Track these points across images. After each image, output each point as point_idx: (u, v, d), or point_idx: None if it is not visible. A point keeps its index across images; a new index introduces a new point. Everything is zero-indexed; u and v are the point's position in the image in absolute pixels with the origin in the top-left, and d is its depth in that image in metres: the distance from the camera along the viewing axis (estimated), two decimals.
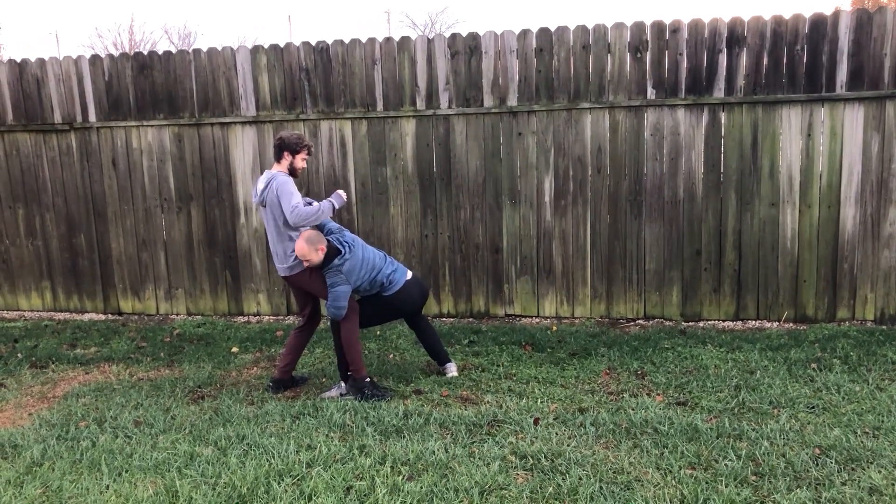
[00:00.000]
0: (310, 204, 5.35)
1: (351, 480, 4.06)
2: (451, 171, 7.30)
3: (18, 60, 7.92)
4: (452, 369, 5.85)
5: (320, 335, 7.02)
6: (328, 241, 5.37)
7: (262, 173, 7.51)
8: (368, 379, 5.44)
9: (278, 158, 5.40)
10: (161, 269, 7.99)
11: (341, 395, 5.47)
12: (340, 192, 5.54)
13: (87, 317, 8.16)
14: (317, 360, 6.37)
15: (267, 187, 5.33)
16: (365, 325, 5.69)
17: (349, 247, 5.39)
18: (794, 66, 6.63)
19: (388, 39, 7.28)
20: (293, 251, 5.32)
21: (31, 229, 8.17)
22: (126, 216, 7.95)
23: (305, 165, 5.50)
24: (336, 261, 5.33)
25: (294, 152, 5.37)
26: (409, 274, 5.70)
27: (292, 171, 5.41)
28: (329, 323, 5.70)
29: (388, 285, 5.55)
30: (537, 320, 7.35)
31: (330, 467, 4.21)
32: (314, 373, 6.04)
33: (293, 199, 5.22)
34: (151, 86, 7.67)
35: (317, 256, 5.28)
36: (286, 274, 5.45)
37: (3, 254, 8.29)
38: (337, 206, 5.44)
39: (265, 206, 5.38)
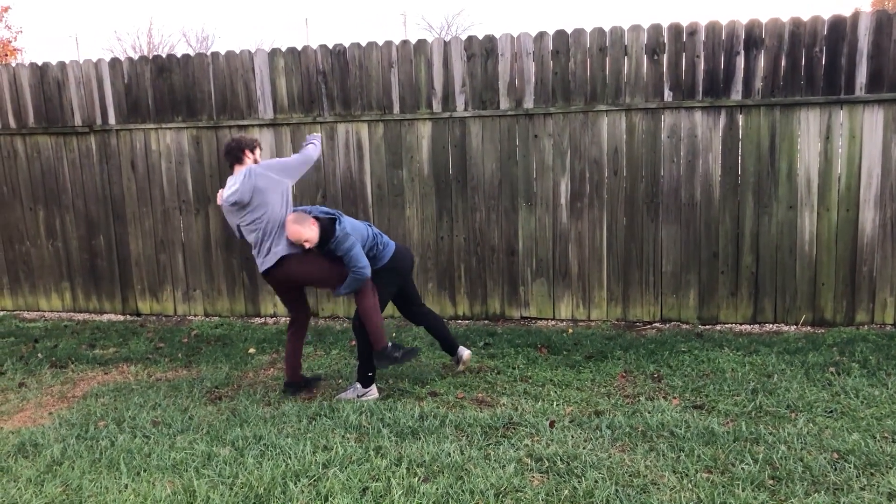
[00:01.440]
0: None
1: (367, 481, 4.08)
2: (467, 173, 7.31)
3: (39, 64, 8.01)
4: (466, 352, 5.87)
5: (336, 336, 7.05)
6: (315, 217, 5.33)
7: None
8: (390, 344, 5.42)
9: (240, 160, 5.33)
10: (179, 270, 8.05)
11: (358, 396, 5.48)
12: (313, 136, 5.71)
13: (105, 317, 8.23)
14: (333, 361, 6.39)
15: (242, 184, 5.19)
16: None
17: (337, 213, 5.41)
18: (812, 68, 6.59)
19: (405, 42, 7.30)
20: (282, 243, 5.25)
21: (51, 230, 8.26)
22: (144, 218, 8.02)
23: (259, 159, 5.47)
24: (337, 227, 5.28)
25: (251, 150, 5.36)
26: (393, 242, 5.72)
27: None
28: (352, 325, 5.66)
29: (383, 250, 5.51)
30: (553, 323, 7.34)
31: (346, 468, 4.22)
32: (330, 374, 6.06)
33: (290, 157, 5.44)
34: (170, 88, 7.74)
35: (312, 232, 5.23)
36: (272, 266, 5.28)
37: (24, 255, 8.38)
38: (317, 144, 5.62)
39: (241, 207, 5.24)
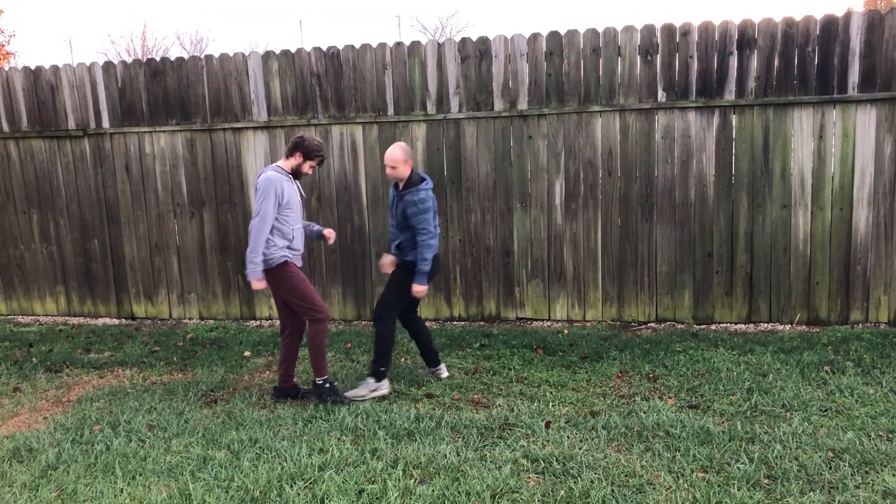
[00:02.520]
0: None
1: (363, 484, 4.08)
2: (462, 174, 7.31)
3: (33, 67, 7.99)
4: (444, 370, 5.94)
5: (331, 339, 7.04)
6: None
7: None
8: (328, 385, 5.45)
9: (288, 155, 5.30)
10: (174, 273, 8.04)
11: (370, 391, 5.50)
12: (258, 284, 5.28)
13: (100, 321, 8.22)
14: (328, 364, 6.37)
15: (257, 178, 5.30)
16: (399, 310, 5.63)
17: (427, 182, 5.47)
18: (805, 68, 6.61)
19: (399, 44, 7.31)
20: (272, 246, 5.22)
21: (45, 234, 8.25)
22: (139, 221, 8.01)
23: (311, 173, 5.45)
24: (423, 185, 5.39)
25: (307, 157, 5.29)
26: None
27: (296, 173, 5.33)
28: (375, 313, 5.60)
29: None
30: (548, 323, 7.35)
31: (342, 471, 4.22)
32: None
33: (268, 203, 5.13)
34: (164, 92, 7.73)
35: (405, 169, 5.38)
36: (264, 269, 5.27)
37: (18, 259, 8.36)
38: (249, 277, 5.24)
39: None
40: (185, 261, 8.00)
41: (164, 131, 7.79)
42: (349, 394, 5.50)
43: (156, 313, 8.18)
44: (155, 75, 7.73)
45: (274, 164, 5.34)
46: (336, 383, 5.73)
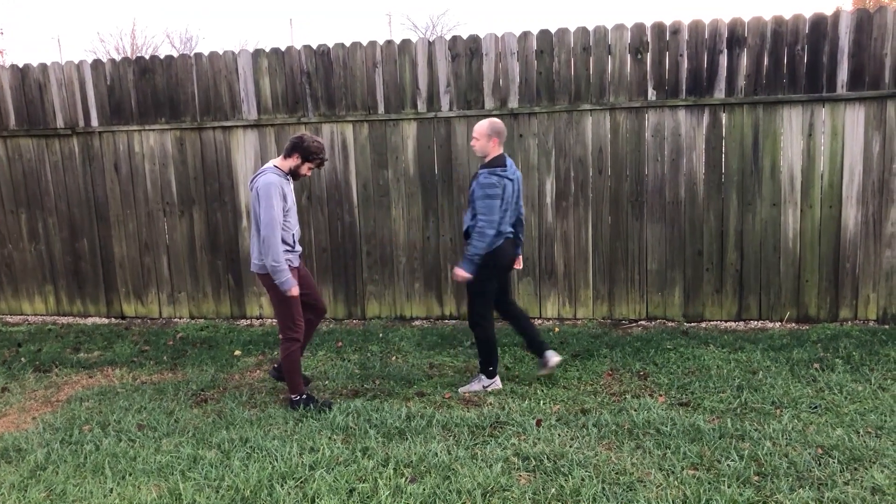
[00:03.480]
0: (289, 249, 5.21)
1: (354, 483, 4.07)
2: (453, 173, 7.31)
3: (21, 65, 7.94)
4: (553, 355, 5.61)
5: (322, 338, 7.03)
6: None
7: None
8: (304, 395, 5.30)
9: (287, 155, 5.14)
10: (164, 272, 8.01)
11: (484, 387, 5.48)
12: (295, 290, 5.14)
13: (90, 321, 8.18)
14: (319, 363, 6.37)
15: (254, 179, 5.13)
16: (488, 309, 5.49)
17: (511, 174, 5.29)
18: (794, 67, 6.64)
19: (389, 42, 7.29)
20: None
21: (33, 234, 8.20)
22: (128, 220, 7.97)
23: (309, 175, 5.34)
24: (499, 169, 5.21)
25: (306, 158, 5.11)
26: None
27: (294, 174, 5.19)
28: (469, 322, 5.52)
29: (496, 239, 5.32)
30: (540, 322, 7.35)
31: (333, 470, 4.22)
32: (317, 375, 6.04)
33: (273, 208, 4.98)
34: (153, 90, 7.70)
35: (487, 144, 5.26)
36: (258, 272, 5.23)
37: (7, 258, 8.31)
38: (284, 287, 5.08)
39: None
40: (175, 260, 7.97)
41: (154, 130, 7.75)
42: (462, 389, 5.49)
43: (146, 312, 8.15)
44: (144, 73, 7.69)
45: (271, 165, 5.17)
46: (311, 391, 5.71)
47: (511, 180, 5.29)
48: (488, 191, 5.17)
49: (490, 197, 5.17)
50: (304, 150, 5.11)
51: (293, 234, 5.24)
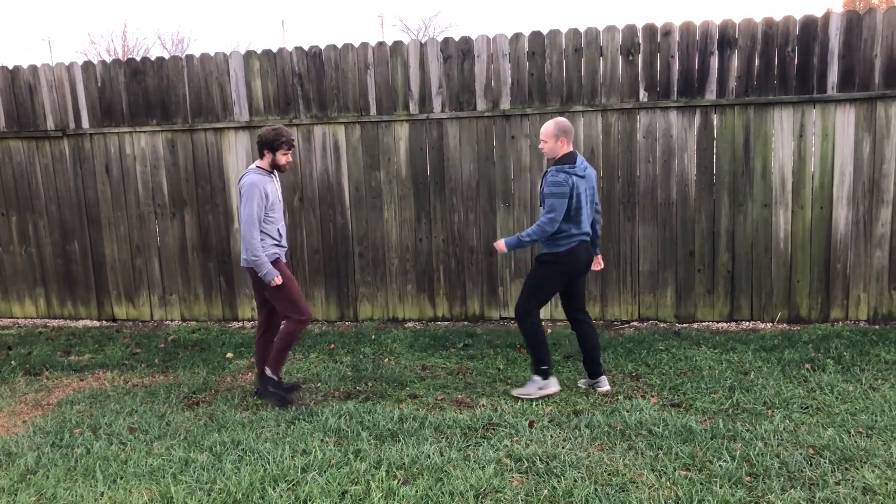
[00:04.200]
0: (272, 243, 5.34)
1: (346, 485, 4.06)
2: (445, 174, 7.31)
3: (10, 67, 7.90)
4: (605, 383, 5.48)
5: (315, 340, 7.02)
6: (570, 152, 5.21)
7: None
8: (277, 378, 5.41)
9: (260, 155, 5.32)
10: (155, 274, 7.98)
11: (539, 389, 5.33)
12: (277, 279, 5.25)
13: (81, 323, 8.14)
14: (311, 365, 6.36)
15: (240, 179, 5.32)
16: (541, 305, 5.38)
17: (580, 170, 5.18)
18: (785, 68, 6.66)
19: (381, 44, 7.29)
20: (266, 246, 5.26)
21: (24, 236, 8.16)
22: (120, 222, 7.94)
23: (289, 160, 5.34)
24: (565, 169, 5.13)
25: (273, 149, 5.25)
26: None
27: (277, 167, 5.32)
28: (514, 313, 5.40)
29: (565, 238, 5.21)
30: None
31: (325, 472, 4.21)
32: (309, 377, 6.03)
33: (252, 206, 5.14)
34: (144, 92, 7.67)
35: (555, 145, 5.19)
36: (244, 266, 5.33)
37: None
38: (266, 279, 5.21)
39: None
40: (167, 262, 7.94)
41: (145, 132, 7.73)
42: (516, 392, 5.38)
43: (137, 315, 8.12)
44: (135, 75, 7.67)
45: (254, 166, 5.34)
46: (303, 392, 5.71)
47: (582, 177, 5.18)
48: (554, 189, 5.10)
49: (556, 195, 5.10)
50: (267, 144, 5.27)
51: (278, 229, 5.38)
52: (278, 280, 5.25)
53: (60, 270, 8.16)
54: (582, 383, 5.58)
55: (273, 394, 5.42)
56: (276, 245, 5.37)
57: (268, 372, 5.42)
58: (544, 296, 5.39)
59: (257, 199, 5.16)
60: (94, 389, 5.99)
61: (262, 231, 5.26)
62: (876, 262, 6.76)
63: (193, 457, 4.50)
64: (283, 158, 5.29)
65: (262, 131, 5.31)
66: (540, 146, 5.30)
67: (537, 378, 5.37)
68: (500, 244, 5.30)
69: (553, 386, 5.37)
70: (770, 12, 7.02)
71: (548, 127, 5.22)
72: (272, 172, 5.36)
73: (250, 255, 5.20)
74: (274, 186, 5.34)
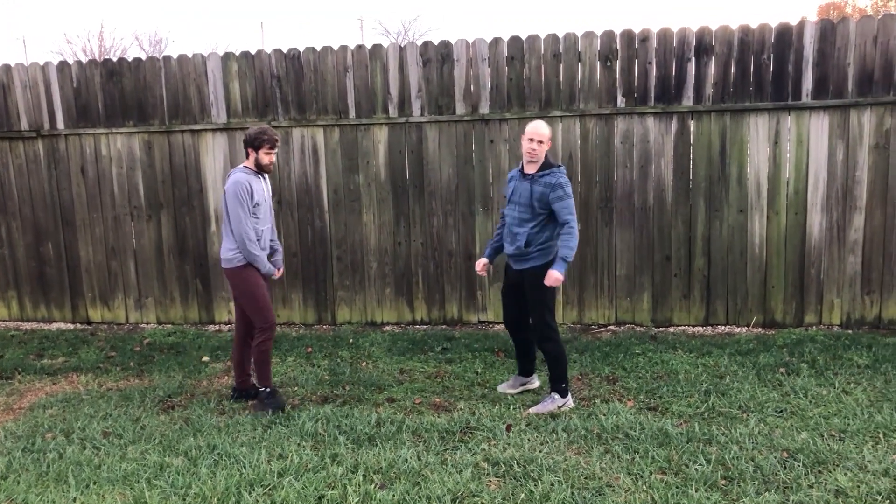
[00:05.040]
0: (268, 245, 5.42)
1: (323, 490, 4.05)
2: (424, 178, 7.31)
3: None
4: (536, 382, 5.61)
5: (292, 343, 6.98)
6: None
7: None
8: (268, 389, 5.34)
9: (246, 154, 5.29)
10: (131, 277, 7.90)
11: (559, 407, 5.16)
12: (279, 271, 5.49)
13: (54, 326, 8.04)
14: (289, 368, 6.33)
15: (226, 179, 5.33)
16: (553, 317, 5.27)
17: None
18: (761, 75, 6.74)
19: (360, 47, 7.28)
20: (234, 248, 5.24)
21: None
22: (95, 224, 7.85)
23: (273, 160, 5.31)
24: (556, 169, 5.08)
25: (255, 147, 5.22)
26: None
27: (260, 167, 5.28)
28: (539, 337, 5.23)
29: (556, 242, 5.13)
30: None
31: (301, 476, 4.18)
32: (286, 381, 5.99)
33: (238, 206, 5.13)
34: (121, 93, 7.60)
35: (545, 149, 5.08)
36: (224, 266, 5.33)
37: None
38: (262, 271, 5.29)
39: None
40: (143, 265, 7.86)
41: (121, 133, 7.66)
42: (533, 410, 5.15)
43: (112, 318, 8.03)
44: (112, 76, 7.60)
45: (240, 165, 5.33)
46: (279, 389, 5.70)
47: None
48: (568, 189, 5.04)
49: (570, 196, 5.06)
50: (250, 142, 5.26)
51: (261, 231, 5.34)
52: (279, 272, 5.48)
53: (34, 273, 8.06)
54: (503, 388, 5.58)
55: (269, 403, 5.32)
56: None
57: (261, 389, 5.37)
58: (553, 308, 5.29)
59: (242, 196, 5.14)
60: (67, 393, 5.92)
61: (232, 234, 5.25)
62: (849, 268, 6.85)
63: (168, 461, 4.46)
64: (265, 158, 5.26)
65: (248, 130, 5.30)
66: (533, 148, 5.05)
67: (556, 395, 5.22)
68: (556, 275, 4.99)
69: (570, 402, 5.27)
70: (746, 20, 7.10)
71: (542, 128, 5.07)
72: (259, 173, 5.32)
73: (246, 251, 5.19)
74: (260, 186, 5.30)
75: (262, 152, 5.24)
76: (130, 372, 6.42)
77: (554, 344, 5.20)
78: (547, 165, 5.11)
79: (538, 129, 5.07)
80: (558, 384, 5.23)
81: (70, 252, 7.96)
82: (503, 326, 7.35)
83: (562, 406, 5.20)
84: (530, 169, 5.14)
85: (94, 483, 4.24)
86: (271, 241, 5.55)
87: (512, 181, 5.28)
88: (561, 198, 5.00)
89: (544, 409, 5.16)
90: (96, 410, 5.45)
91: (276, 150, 5.30)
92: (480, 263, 5.46)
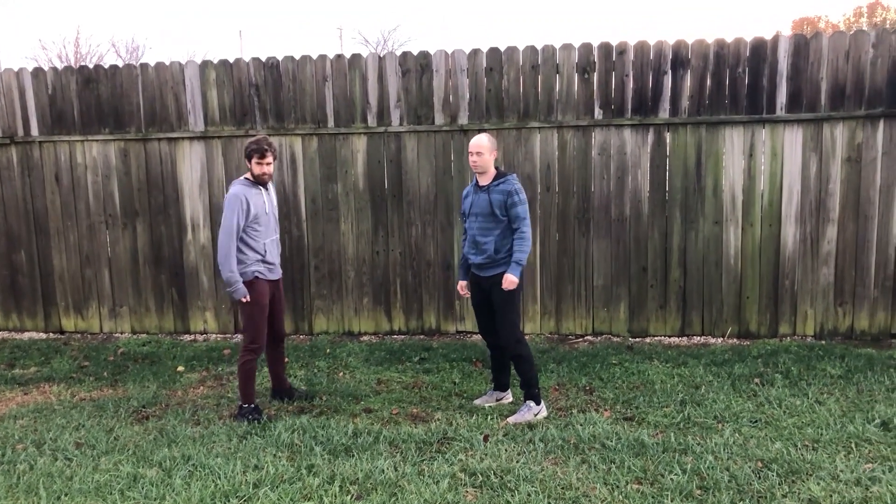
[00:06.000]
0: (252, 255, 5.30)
1: (298, 501, 4.02)
2: (403, 187, 7.31)
3: None
4: (509, 398, 5.63)
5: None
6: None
7: (209, 189, 7.47)
8: (253, 405, 5.34)
9: (248, 167, 5.33)
10: (105, 286, 7.82)
11: (535, 415, 5.19)
12: (245, 298, 5.23)
13: (26, 336, 7.93)
14: (265, 379, 6.27)
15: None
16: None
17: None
18: (736, 88, 6.82)
19: (339, 56, 7.28)
20: (245, 261, 5.25)
21: None
22: (69, 232, 7.77)
23: (267, 171, 5.27)
24: (510, 176, 5.23)
25: (248, 158, 5.25)
26: None
27: (256, 178, 5.28)
28: (510, 343, 5.25)
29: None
30: None
31: (277, 487, 4.15)
32: (262, 391, 5.94)
33: (230, 217, 5.14)
34: (97, 100, 7.54)
35: (490, 159, 5.21)
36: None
37: None
38: (234, 297, 5.23)
39: None
40: (117, 273, 7.78)
41: (97, 140, 7.59)
42: (512, 420, 5.15)
43: (86, 327, 7.93)
44: (88, 83, 7.53)
45: (241, 177, 5.35)
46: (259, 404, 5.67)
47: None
48: (522, 195, 5.19)
49: (524, 202, 5.19)
50: (245, 153, 5.28)
51: (264, 244, 5.33)
52: (245, 298, 5.22)
53: (6, 281, 7.94)
54: (482, 398, 5.60)
55: (246, 415, 5.34)
56: (261, 261, 5.31)
57: (242, 405, 5.37)
58: (519, 312, 5.38)
59: (236, 210, 5.14)
60: (39, 403, 5.84)
61: (245, 244, 5.23)
62: (822, 279, 6.94)
63: (142, 472, 4.41)
64: (257, 168, 5.25)
65: (248, 141, 5.33)
66: (473, 160, 5.21)
67: (531, 403, 5.25)
68: (512, 279, 5.12)
69: (544, 410, 5.30)
70: (722, 34, 7.19)
71: (482, 140, 5.22)
72: (260, 185, 5.32)
73: (227, 271, 5.14)
74: (261, 199, 5.29)
75: (252, 163, 5.24)
76: (104, 382, 6.35)
77: (524, 346, 5.28)
78: (500, 175, 5.26)
79: (477, 141, 5.25)
80: (532, 389, 5.26)
81: (43, 260, 7.86)
82: (480, 336, 7.35)
83: (537, 414, 5.22)
84: (483, 180, 5.29)
85: (66, 495, 4.18)
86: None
87: (468, 196, 5.40)
88: (516, 203, 5.16)
89: (522, 419, 5.17)
90: (69, 421, 5.37)
91: (267, 160, 5.25)
92: (462, 286, 5.53)
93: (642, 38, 6.90)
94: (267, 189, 5.39)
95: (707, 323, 7.13)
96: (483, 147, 5.20)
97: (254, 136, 7.27)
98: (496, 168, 5.31)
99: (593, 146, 7.05)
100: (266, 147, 5.22)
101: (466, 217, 5.38)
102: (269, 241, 5.36)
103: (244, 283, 5.23)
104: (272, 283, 5.43)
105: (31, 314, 7.98)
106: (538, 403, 5.27)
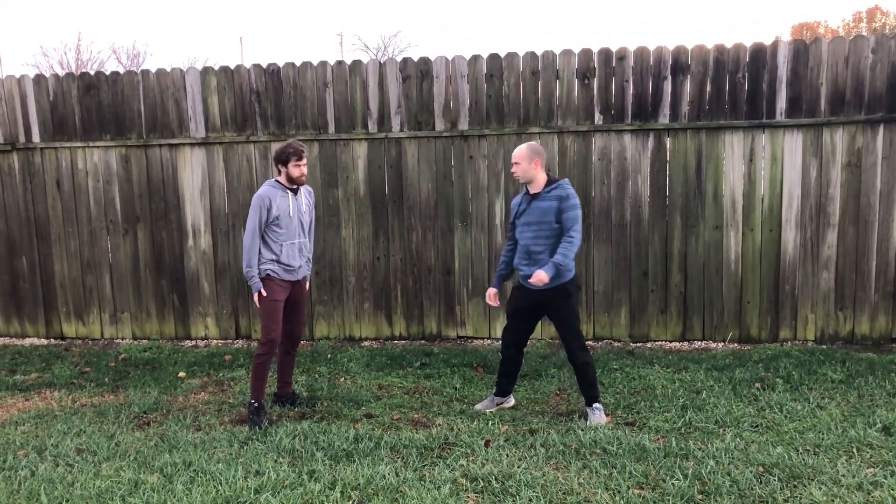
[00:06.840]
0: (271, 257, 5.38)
1: None
2: (403, 193, 7.32)
3: None
4: (511, 401, 5.62)
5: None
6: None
7: (210, 195, 7.48)
8: (257, 403, 5.37)
9: (277, 171, 5.39)
10: (106, 292, 7.83)
11: (606, 415, 5.23)
12: (261, 292, 5.33)
13: (28, 342, 7.93)
14: (266, 386, 6.27)
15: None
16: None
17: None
18: (736, 94, 6.84)
19: (340, 63, 7.30)
20: (263, 261, 5.33)
21: None
22: (70, 238, 7.78)
23: (303, 171, 5.33)
24: (563, 181, 5.10)
25: (284, 162, 5.31)
26: None
27: (292, 180, 5.35)
28: (575, 356, 5.21)
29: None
30: (489, 342, 7.37)
31: (279, 493, 4.15)
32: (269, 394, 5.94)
33: (253, 217, 5.28)
34: (98, 106, 7.56)
35: (530, 167, 5.07)
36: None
37: None
38: (253, 290, 5.35)
39: None
40: (118, 279, 7.79)
41: (98, 146, 7.61)
42: (590, 423, 5.11)
43: (87, 333, 7.94)
44: (89, 89, 7.55)
45: (270, 179, 5.43)
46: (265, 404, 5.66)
47: None
48: (576, 201, 5.05)
49: (577, 207, 5.06)
50: (277, 159, 5.38)
51: (282, 246, 5.38)
52: (261, 293, 5.35)
53: (7, 287, 7.95)
54: (480, 407, 5.57)
55: (251, 419, 5.35)
56: (276, 262, 5.36)
57: (252, 402, 5.41)
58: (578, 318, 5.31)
59: (258, 212, 5.28)
60: (40, 409, 5.84)
61: (263, 244, 5.35)
62: (823, 284, 6.94)
63: (143, 478, 4.40)
64: (295, 171, 5.33)
65: (276, 149, 5.41)
66: (513, 170, 5.17)
67: (598, 406, 5.24)
68: (542, 275, 4.93)
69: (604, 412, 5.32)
70: (722, 39, 7.21)
71: (521, 150, 5.13)
72: (290, 188, 5.38)
73: (244, 265, 5.32)
74: (287, 202, 5.35)
75: (291, 165, 5.31)
76: (105, 388, 6.35)
77: (588, 353, 5.27)
78: (551, 181, 5.16)
79: (516, 151, 5.20)
80: (594, 391, 5.26)
81: (44, 266, 7.87)
82: (482, 342, 7.37)
83: (608, 414, 5.30)
84: (533, 188, 5.18)
85: (67, 501, 4.18)
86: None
87: (519, 205, 5.26)
88: (569, 208, 5.03)
89: (602, 420, 5.18)
90: (70, 427, 5.37)
91: (304, 161, 5.36)
92: (491, 294, 5.45)
93: (642, 44, 6.95)
94: (296, 193, 5.42)
95: (708, 328, 7.13)
96: (519, 156, 5.11)
97: (256, 139, 7.32)
98: (547, 174, 5.21)
99: (593, 151, 7.06)
100: (303, 149, 5.37)
101: (515, 225, 5.30)
102: (289, 243, 5.39)
103: (262, 278, 5.36)
104: (290, 284, 5.47)
105: (33, 320, 7.99)
106: (601, 403, 5.32)
